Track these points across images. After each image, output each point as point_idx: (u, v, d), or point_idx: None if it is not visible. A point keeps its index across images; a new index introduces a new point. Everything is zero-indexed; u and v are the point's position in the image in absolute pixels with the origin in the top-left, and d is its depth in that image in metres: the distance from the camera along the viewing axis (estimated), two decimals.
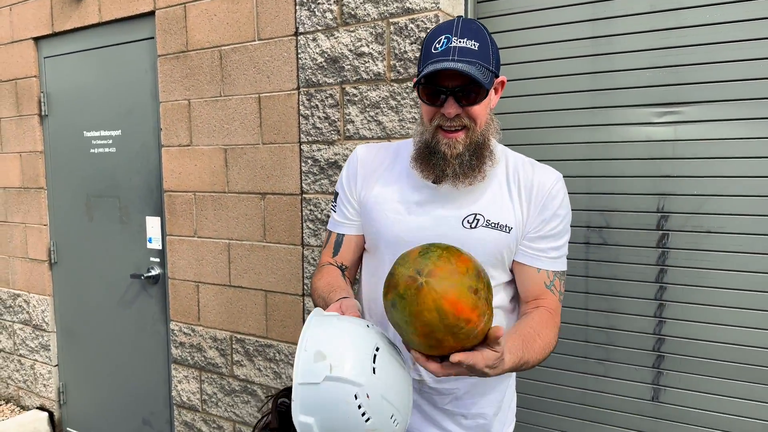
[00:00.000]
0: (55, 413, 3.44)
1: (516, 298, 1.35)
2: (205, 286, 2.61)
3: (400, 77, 1.99)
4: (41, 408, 3.50)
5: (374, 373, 0.94)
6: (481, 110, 1.18)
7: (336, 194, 1.41)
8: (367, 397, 0.92)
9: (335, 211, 1.41)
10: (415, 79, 1.28)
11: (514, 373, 1.42)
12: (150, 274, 2.83)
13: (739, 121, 1.74)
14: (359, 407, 0.91)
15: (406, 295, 0.90)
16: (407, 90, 1.98)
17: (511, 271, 1.30)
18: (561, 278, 1.29)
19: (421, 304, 0.88)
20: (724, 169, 1.76)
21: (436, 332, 0.89)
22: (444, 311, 0.87)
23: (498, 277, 1.27)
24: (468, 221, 1.22)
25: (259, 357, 2.45)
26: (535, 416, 2.10)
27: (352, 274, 1.44)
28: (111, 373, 3.14)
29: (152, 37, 2.68)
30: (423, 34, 1.93)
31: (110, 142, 2.95)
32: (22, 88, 3.27)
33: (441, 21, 1.90)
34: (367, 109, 2.08)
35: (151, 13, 2.65)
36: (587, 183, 1.94)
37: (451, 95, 1.14)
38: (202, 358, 2.65)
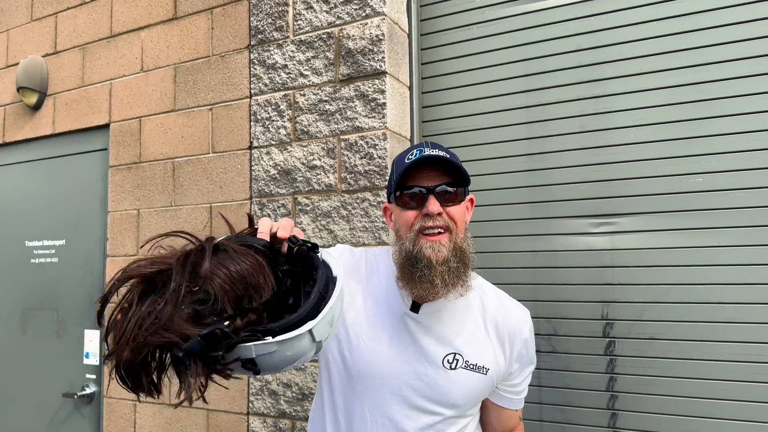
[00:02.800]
0: None
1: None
2: (143, 405, 2.44)
3: (351, 188, 2.06)
4: None
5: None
6: (460, 213, 1.18)
7: None
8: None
9: None
10: (385, 204, 1.29)
11: None
12: (84, 392, 2.64)
13: (671, 232, 1.85)
14: None
15: None
16: (358, 200, 2.04)
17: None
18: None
19: None
20: (660, 276, 1.85)
21: None
22: None
23: (471, 413, 1.25)
24: (448, 361, 1.18)
25: None
26: None
27: None
28: None
29: (105, 149, 2.71)
30: (372, 150, 2.02)
31: (53, 251, 2.86)
32: None
33: (388, 138, 2.01)
34: (319, 218, 2.11)
35: (106, 126, 2.70)
36: (533, 290, 1.98)
37: (432, 193, 1.14)
38: None
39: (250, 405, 2.17)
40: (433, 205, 1.13)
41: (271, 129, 2.25)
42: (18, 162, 3.03)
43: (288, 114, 2.21)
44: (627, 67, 1.93)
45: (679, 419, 1.79)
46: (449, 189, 1.16)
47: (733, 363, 1.74)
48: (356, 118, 2.08)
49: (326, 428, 1.24)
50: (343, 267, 0.99)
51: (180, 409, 2.33)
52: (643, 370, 1.84)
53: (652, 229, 1.87)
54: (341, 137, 2.10)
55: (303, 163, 2.16)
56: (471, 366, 1.18)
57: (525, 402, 1.94)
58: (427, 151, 1.16)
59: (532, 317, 1.96)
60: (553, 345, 1.94)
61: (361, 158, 2.05)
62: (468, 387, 1.18)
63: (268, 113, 2.25)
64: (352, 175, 2.06)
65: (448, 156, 1.17)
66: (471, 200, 1.26)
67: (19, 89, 2.83)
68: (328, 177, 2.11)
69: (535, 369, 1.96)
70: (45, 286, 2.88)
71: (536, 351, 1.96)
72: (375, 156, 2.02)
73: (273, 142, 2.24)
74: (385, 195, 1.99)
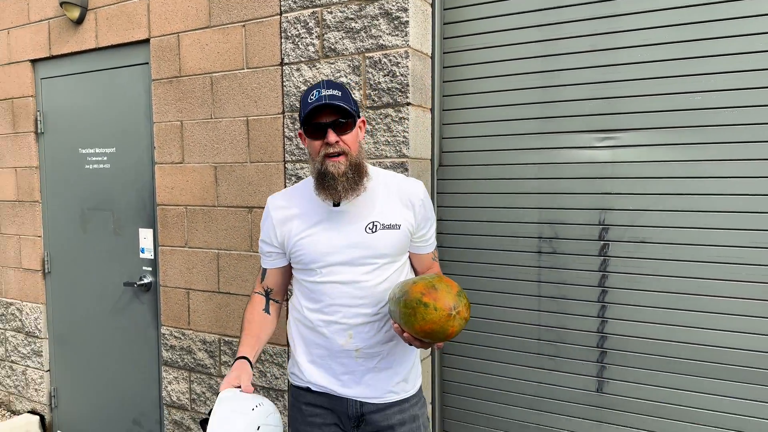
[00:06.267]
0: (46, 417, 3.59)
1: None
2: (195, 293, 2.81)
3: (375, 104, 2.24)
4: (32, 412, 3.64)
5: None
6: (352, 139, 1.59)
7: (262, 240, 1.78)
8: None
9: (262, 253, 1.80)
10: (300, 131, 1.65)
11: None
12: (142, 281, 3.02)
13: (667, 146, 2.02)
14: None
15: (438, 313, 1.34)
16: (381, 116, 2.23)
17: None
18: (436, 249, 1.83)
19: (446, 324, 1.34)
20: (655, 187, 2.04)
21: (433, 335, 1.36)
22: (449, 335, 1.36)
23: (402, 260, 1.71)
24: (369, 228, 1.62)
25: None
26: (494, 407, 2.35)
27: (280, 291, 1.84)
28: (102, 377, 3.31)
29: (147, 63, 2.90)
30: (395, 68, 2.18)
31: (105, 158, 3.15)
32: (18, 107, 3.45)
33: (410, 57, 2.16)
34: None
35: (146, 41, 2.87)
36: (538, 199, 2.20)
37: (330, 127, 1.54)
38: (192, 360, 2.85)
39: (288, 292, 2.51)
40: (331, 136, 1.54)
41: (300, 46, 2.40)
42: (65, 74, 3.25)
43: (316, 31, 2.36)
44: None
45: (662, 311, 2.05)
46: (342, 121, 1.56)
47: (717, 264, 1.97)
48: (380, 36, 2.22)
49: (299, 298, 1.73)
50: None
51: (228, 295, 2.69)
52: (632, 269, 2.08)
53: (651, 143, 2.04)
54: (366, 55, 2.25)
55: None
56: (386, 226, 1.63)
57: (523, 295, 2.24)
58: (324, 92, 1.55)
59: (536, 223, 2.22)
60: (554, 247, 2.19)
61: (385, 76, 2.21)
62: (389, 240, 1.63)
63: (298, 30, 2.40)
64: (376, 91, 2.23)
65: (339, 94, 1.54)
66: (363, 122, 1.66)
67: (61, 4, 2.98)
68: (354, 93, 2.29)
69: (536, 267, 2.24)
70: (100, 189, 3.19)
71: (538, 252, 2.23)
72: (397, 74, 2.18)
73: (302, 59, 2.40)
74: (406, 112, 2.18)
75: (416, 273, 1.80)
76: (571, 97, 2.15)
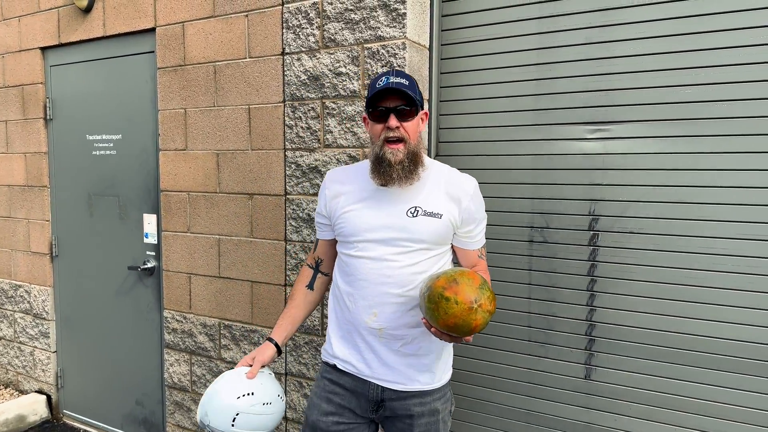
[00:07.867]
0: (52, 396, 3.68)
1: (452, 261, 1.82)
2: (196, 278, 2.88)
3: None
4: (39, 392, 3.74)
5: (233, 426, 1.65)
6: (413, 127, 1.63)
7: (317, 212, 1.86)
8: None
9: (316, 224, 1.88)
10: (365, 115, 1.71)
11: None
12: (146, 266, 3.10)
13: (657, 139, 2.05)
14: None
15: (459, 306, 1.36)
16: None
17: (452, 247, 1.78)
18: (485, 247, 1.83)
19: (468, 317, 1.36)
20: (644, 178, 2.08)
21: (457, 329, 1.39)
22: (474, 328, 1.38)
23: (439, 249, 1.70)
24: (410, 212, 1.65)
25: (245, 341, 2.73)
26: (485, 393, 2.40)
27: (329, 263, 1.91)
28: (107, 358, 3.40)
29: (153, 51, 2.96)
30: (392, 59, 2.23)
31: (111, 145, 3.22)
32: (28, 94, 3.53)
33: (407, 48, 2.21)
34: (344, 122, 2.37)
35: (152, 30, 2.93)
36: (531, 189, 2.24)
37: (393, 112, 1.60)
38: (193, 343, 2.92)
39: (287, 277, 2.57)
40: (393, 120, 1.60)
41: (301, 36, 2.45)
42: (74, 62, 3.32)
43: (317, 22, 2.41)
44: None
45: (649, 300, 2.09)
46: (405, 108, 1.61)
47: (704, 255, 2.00)
48: (378, 27, 2.26)
49: (338, 276, 1.79)
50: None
51: (228, 280, 2.76)
52: (621, 258, 2.12)
53: (641, 135, 2.07)
54: (365, 46, 2.29)
55: (330, 70, 2.38)
56: (428, 213, 1.65)
57: (513, 283, 2.28)
58: (392, 79, 1.61)
59: (528, 212, 2.26)
60: (545, 236, 2.23)
61: (382, 66, 2.26)
62: (428, 227, 1.65)
63: (299, 21, 2.45)
64: None
65: (406, 83, 1.60)
66: (425, 114, 1.72)
67: None
68: (352, 83, 2.33)
69: (526, 255, 2.29)
70: (106, 175, 3.27)
71: (529, 241, 2.27)
72: (395, 65, 2.22)
73: (303, 49, 2.45)
74: None
75: None
76: (565, 89, 2.19)
